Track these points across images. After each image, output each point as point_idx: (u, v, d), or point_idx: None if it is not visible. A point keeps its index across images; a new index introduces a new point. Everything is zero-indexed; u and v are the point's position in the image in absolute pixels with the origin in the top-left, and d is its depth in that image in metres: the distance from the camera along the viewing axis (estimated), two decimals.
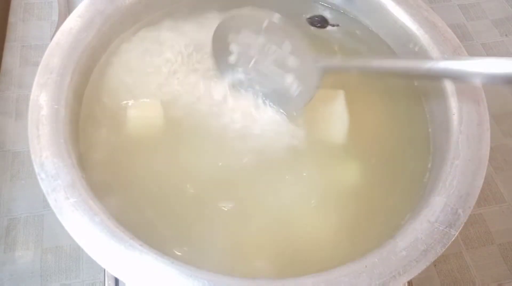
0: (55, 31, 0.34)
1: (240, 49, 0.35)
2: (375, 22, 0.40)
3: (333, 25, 0.38)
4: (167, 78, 0.36)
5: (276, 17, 0.32)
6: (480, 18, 0.60)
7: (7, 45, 0.51)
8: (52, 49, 0.32)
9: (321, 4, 0.42)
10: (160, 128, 0.34)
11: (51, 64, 0.32)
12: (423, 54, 0.37)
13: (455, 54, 0.35)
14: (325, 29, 0.39)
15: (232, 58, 0.35)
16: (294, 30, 0.33)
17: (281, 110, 0.35)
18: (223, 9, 0.40)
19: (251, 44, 0.34)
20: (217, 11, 0.40)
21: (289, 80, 0.33)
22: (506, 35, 0.59)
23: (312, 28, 0.39)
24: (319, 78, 0.33)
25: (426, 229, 0.28)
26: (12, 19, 0.53)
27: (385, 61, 0.33)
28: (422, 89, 0.38)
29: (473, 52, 0.56)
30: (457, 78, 0.30)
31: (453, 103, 0.33)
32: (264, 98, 0.35)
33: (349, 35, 0.41)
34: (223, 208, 0.31)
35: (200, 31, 0.39)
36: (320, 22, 0.39)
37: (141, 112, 0.34)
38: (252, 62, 0.34)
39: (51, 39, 0.33)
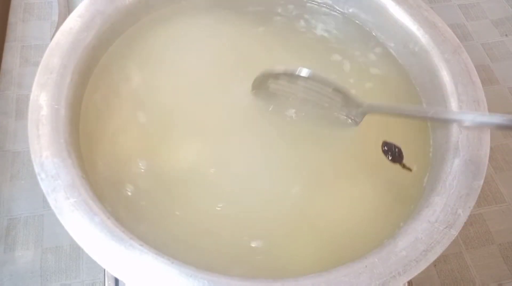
0: (55, 31, 0.34)
1: (282, 88, 0.35)
2: (375, 21, 0.40)
3: (404, 166, 0.34)
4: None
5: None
6: (480, 18, 0.60)
7: (7, 45, 0.51)
8: (52, 49, 0.32)
9: (318, 4, 0.42)
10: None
11: (51, 64, 0.32)
12: (423, 56, 0.37)
13: (455, 54, 0.35)
14: (401, 163, 0.34)
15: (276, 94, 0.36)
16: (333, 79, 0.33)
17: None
18: (230, 7, 0.41)
19: (292, 86, 0.35)
20: (222, 9, 0.41)
21: (334, 108, 0.35)
22: (506, 35, 0.59)
23: (385, 156, 0.35)
24: (362, 116, 0.34)
25: (426, 229, 0.28)
26: (12, 19, 0.53)
27: (419, 109, 0.35)
28: (422, 90, 0.38)
29: (473, 52, 0.56)
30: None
31: (453, 103, 0.34)
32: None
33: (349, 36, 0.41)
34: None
35: (209, 32, 0.40)
36: (396, 155, 0.34)
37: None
38: (295, 94, 0.35)
39: (51, 39, 0.33)
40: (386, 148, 0.34)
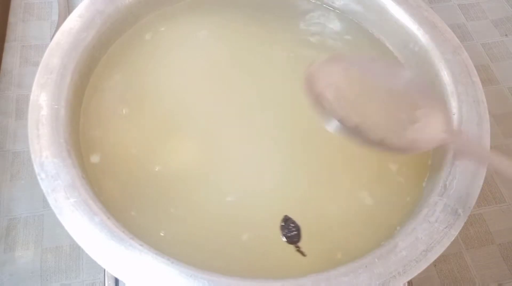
0: (55, 31, 0.34)
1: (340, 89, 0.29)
2: (375, 22, 0.40)
3: (298, 249, 0.29)
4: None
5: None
6: (480, 18, 0.60)
7: (7, 45, 0.51)
8: (52, 49, 0.32)
9: (318, 4, 0.42)
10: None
11: (51, 64, 0.32)
12: (423, 56, 0.37)
13: (455, 54, 0.35)
14: (296, 244, 0.29)
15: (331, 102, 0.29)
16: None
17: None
18: (224, 6, 0.41)
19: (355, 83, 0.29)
20: (224, 8, 0.41)
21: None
22: (506, 35, 0.59)
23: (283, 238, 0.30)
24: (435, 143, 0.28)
25: (426, 229, 0.28)
26: (12, 19, 0.53)
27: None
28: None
29: (473, 52, 0.56)
30: None
31: (453, 103, 0.34)
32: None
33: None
34: None
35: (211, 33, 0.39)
36: (291, 235, 0.29)
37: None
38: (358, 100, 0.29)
39: (51, 39, 0.33)
40: (283, 224, 0.30)
